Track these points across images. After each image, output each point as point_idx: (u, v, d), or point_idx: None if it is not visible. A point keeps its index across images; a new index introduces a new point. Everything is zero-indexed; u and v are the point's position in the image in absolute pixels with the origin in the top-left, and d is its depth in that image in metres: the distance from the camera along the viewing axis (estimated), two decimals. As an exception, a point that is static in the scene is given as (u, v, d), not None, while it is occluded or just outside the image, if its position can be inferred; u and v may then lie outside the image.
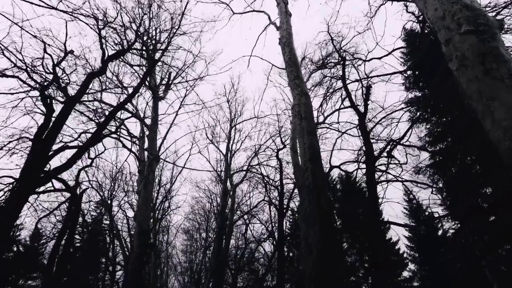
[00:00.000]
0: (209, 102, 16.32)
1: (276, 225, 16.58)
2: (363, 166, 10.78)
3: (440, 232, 21.21)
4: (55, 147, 8.17)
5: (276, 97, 44.45)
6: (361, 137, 9.77)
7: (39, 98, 7.68)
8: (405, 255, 22.69)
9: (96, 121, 11.07)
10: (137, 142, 16.49)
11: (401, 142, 10.53)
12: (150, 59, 8.24)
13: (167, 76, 15.45)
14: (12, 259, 19.42)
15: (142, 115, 14.39)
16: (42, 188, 9.20)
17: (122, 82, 12.70)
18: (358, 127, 10.34)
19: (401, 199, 22.86)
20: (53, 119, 7.18)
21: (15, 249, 19.70)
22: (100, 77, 8.83)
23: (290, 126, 13.36)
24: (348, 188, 23.80)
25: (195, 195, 38.36)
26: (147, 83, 14.66)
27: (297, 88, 6.40)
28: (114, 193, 19.35)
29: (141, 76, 7.55)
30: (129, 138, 15.79)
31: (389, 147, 10.18)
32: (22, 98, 7.76)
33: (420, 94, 13.57)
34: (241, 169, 20.97)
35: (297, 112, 6.03)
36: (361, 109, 9.53)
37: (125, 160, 27.47)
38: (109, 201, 19.16)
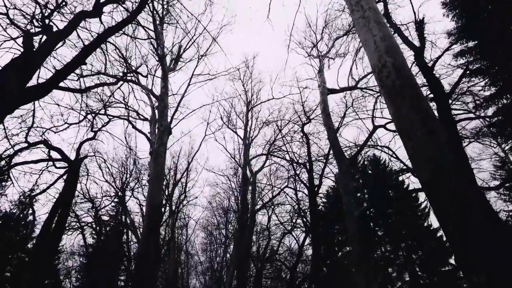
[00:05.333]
0: (223, 72, 14.70)
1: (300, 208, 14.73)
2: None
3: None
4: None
5: (296, 63, 41.51)
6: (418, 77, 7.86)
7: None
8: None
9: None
10: (148, 123, 15.22)
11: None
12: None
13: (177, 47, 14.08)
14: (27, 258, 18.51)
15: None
16: (33, 157, 7.80)
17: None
18: (415, 65, 8.44)
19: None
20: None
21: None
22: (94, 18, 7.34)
23: (319, 89, 11.58)
24: (379, 173, 21.73)
25: (213, 191, 37.11)
26: (155, 56, 13.30)
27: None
28: (127, 179, 18.08)
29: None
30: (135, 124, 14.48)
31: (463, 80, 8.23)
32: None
33: (472, 45, 11.51)
34: (261, 153, 19.31)
35: (356, 3, 4.32)
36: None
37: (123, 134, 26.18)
38: (120, 193, 17.88)
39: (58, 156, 9.05)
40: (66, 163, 9.14)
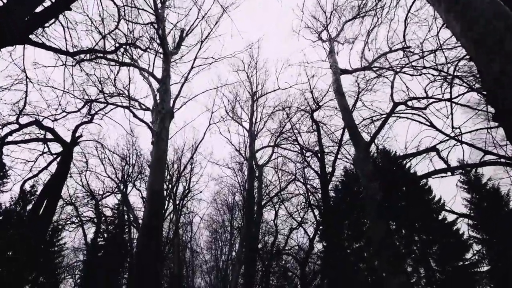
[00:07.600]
0: (228, 55, 14.05)
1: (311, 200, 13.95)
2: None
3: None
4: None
5: (304, 48, 40.43)
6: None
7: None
8: (465, 236, 19.37)
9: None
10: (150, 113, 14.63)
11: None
12: None
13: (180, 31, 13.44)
14: (27, 256, 17.93)
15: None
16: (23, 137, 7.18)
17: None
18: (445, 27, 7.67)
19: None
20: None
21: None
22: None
23: (331, 69, 10.86)
24: (389, 163, 20.94)
25: (217, 187, 36.51)
26: (156, 38, 12.66)
27: None
28: (128, 170, 17.45)
29: None
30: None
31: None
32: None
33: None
34: (268, 145, 18.61)
35: None
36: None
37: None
38: (122, 186, 17.25)
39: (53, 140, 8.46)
40: (59, 144, 8.52)
